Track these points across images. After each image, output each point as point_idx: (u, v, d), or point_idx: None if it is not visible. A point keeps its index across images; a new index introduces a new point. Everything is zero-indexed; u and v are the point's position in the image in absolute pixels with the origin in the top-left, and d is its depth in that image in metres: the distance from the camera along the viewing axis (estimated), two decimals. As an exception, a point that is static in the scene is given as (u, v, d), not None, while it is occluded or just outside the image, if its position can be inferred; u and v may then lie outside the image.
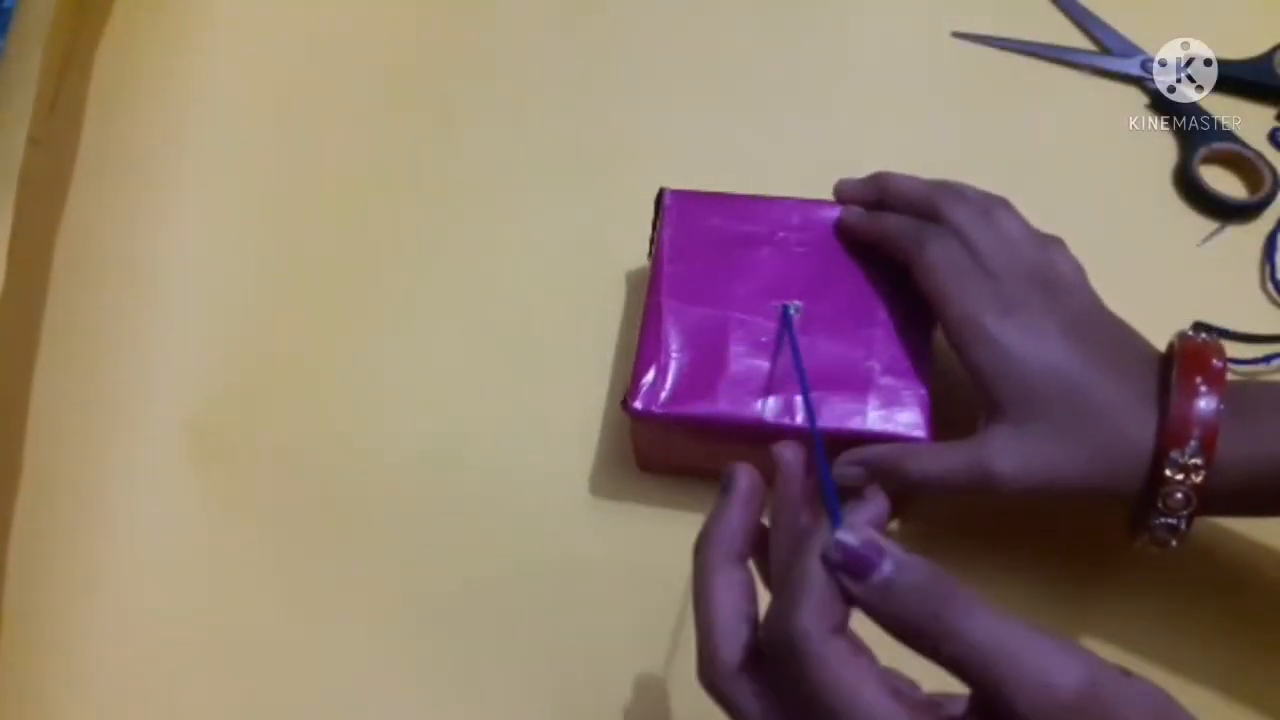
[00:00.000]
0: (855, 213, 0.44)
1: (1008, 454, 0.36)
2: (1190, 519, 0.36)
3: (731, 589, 0.31)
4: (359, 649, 0.44)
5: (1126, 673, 0.26)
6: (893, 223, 0.42)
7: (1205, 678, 0.42)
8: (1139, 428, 0.36)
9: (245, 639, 0.44)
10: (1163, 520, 0.36)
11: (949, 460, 0.37)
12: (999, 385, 0.37)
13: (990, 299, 0.38)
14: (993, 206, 0.42)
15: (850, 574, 0.28)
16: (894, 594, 0.27)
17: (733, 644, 0.30)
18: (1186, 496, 0.35)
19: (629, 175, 0.49)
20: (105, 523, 0.47)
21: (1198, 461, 0.35)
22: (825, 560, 0.28)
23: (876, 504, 0.31)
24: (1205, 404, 0.35)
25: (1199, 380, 0.35)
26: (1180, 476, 0.35)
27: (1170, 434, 0.35)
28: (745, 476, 0.33)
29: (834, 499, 0.29)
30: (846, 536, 0.28)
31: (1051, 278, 0.40)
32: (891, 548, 0.28)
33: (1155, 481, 0.35)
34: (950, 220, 0.40)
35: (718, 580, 0.31)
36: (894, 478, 0.37)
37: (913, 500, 0.43)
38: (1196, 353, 0.36)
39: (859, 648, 0.29)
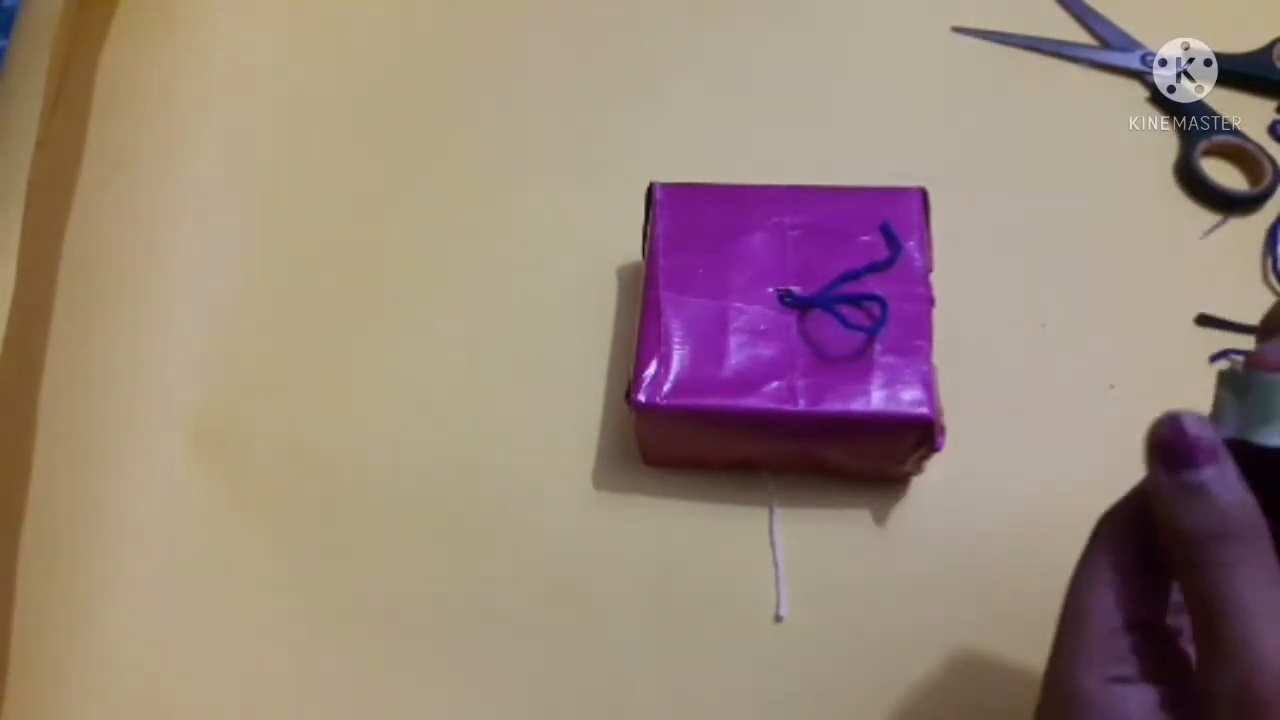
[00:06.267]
0: None
1: None
2: None
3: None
4: (363, 647, 0.44)
5: None
6: None
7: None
8: None
9: (248, 638, 0.44)
10: None
11: None
12: None
13: None
14: None
15: (1167, 457, 0.26)
16: (1196, 500, 0.26)
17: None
18: None
19: (624, 172, 0.50)
20: (113, 522, 0.47)
21: None
22: (1154, 433, 0.26)
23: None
24: None
25: None
26: None
27: None
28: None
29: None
30: (1190, 419, 0.26)
31: None
32: (1226, 460, 0.26)
33: None
34: None
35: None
36: None
37: None
38: None
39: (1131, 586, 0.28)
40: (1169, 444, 0.26)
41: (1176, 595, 0.30)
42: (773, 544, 0.44)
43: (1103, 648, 0.27)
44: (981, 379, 0.47)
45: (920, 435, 0.41)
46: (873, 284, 0.42)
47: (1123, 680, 0.27)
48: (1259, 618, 0.24)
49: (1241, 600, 0.25)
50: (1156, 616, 0.29)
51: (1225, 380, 0.28)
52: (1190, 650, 0.28)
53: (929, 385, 0.40)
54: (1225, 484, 0.26)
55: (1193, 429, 0.26)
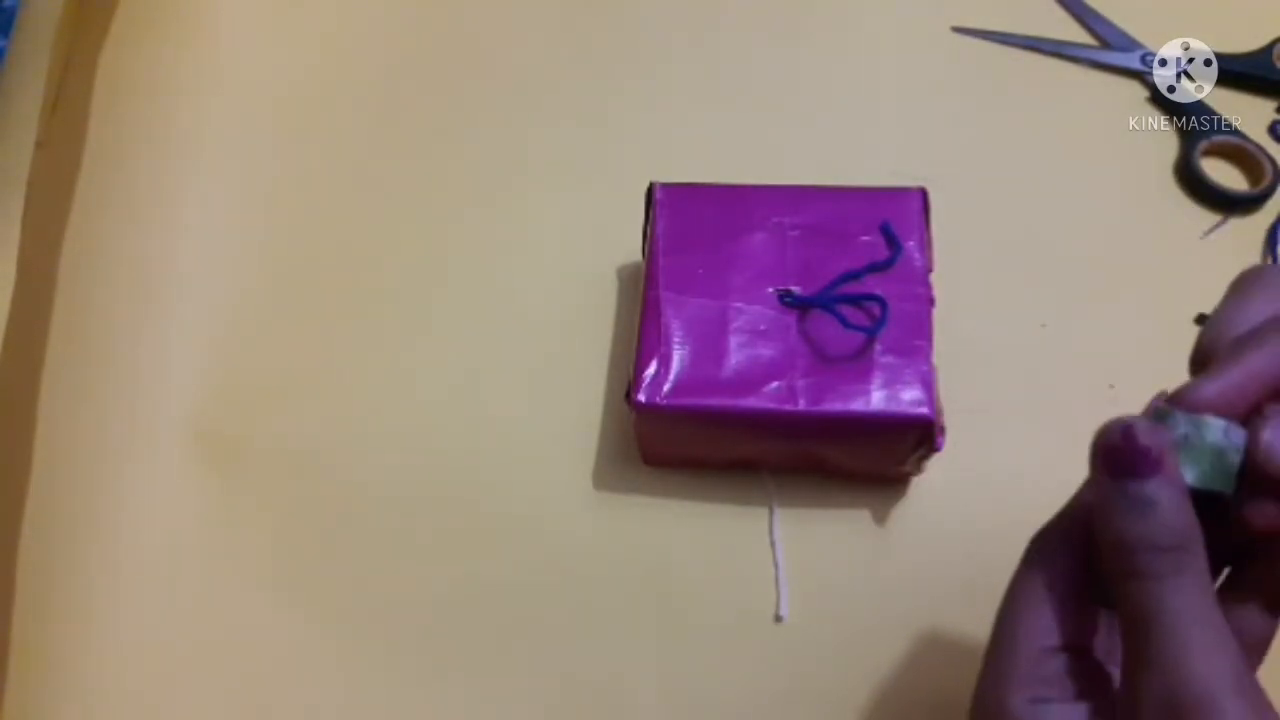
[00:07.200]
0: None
1: None
2: None
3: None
4: (363, 646, 0.44)
5: None
6: None
7: None
8: None
9: (248, 637, 0.44)
10: None
11: None
12: None
13: None
14: None
15: (1112, 464, 0.25)
16: (1137, 509, 0.25)
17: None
18: None
19: (624, 172, 0.50)
20: (113, 522, 0.47)
21: None
22: (1102, 436, 0.25)
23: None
24: None
25: None
26: None
27: None
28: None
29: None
30: (1143, 427, 0.25)
31: None
32: (1174, 473, 0.25)
33: None
34: None
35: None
36: None
37: None
38: None
39: (1065, 597, 0.27)
40: (1116, 451, 0.25)
41: (1109, 616, 0.30)
42: (773, 544, 0.44)
43: (1031, 669, 0.27)
44: (981, 379, 0.47)
45: (920, 435, 0.41)
46: (873, 284, 0.42)
47: (1048, 701, 0.27)
48: (1188, 632, 0.24)
49: (1172, 613, 0.24)
50: (1087, 638, 0.28)
51: (1154, 416, 0.27)
52: (1118, 673, 0.28)
53: (929, 385, 0.40)
54: (1168, 497, 0.25)
55: (1144, 438, 0.25)
